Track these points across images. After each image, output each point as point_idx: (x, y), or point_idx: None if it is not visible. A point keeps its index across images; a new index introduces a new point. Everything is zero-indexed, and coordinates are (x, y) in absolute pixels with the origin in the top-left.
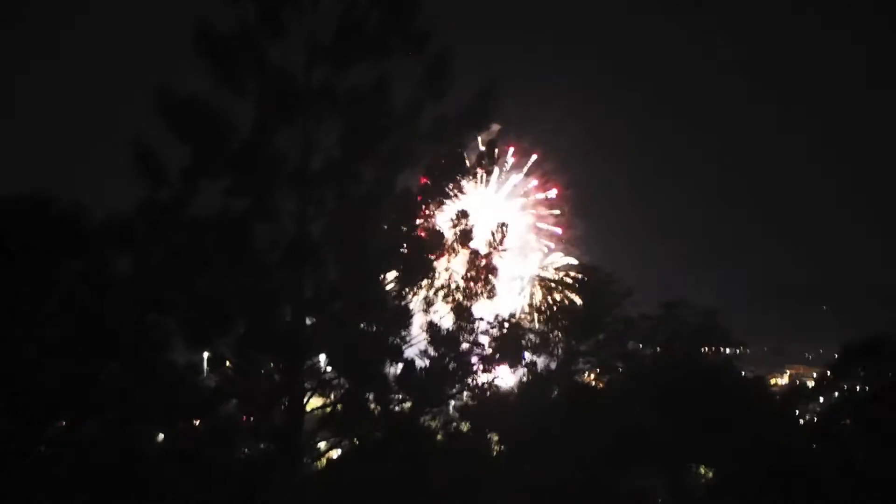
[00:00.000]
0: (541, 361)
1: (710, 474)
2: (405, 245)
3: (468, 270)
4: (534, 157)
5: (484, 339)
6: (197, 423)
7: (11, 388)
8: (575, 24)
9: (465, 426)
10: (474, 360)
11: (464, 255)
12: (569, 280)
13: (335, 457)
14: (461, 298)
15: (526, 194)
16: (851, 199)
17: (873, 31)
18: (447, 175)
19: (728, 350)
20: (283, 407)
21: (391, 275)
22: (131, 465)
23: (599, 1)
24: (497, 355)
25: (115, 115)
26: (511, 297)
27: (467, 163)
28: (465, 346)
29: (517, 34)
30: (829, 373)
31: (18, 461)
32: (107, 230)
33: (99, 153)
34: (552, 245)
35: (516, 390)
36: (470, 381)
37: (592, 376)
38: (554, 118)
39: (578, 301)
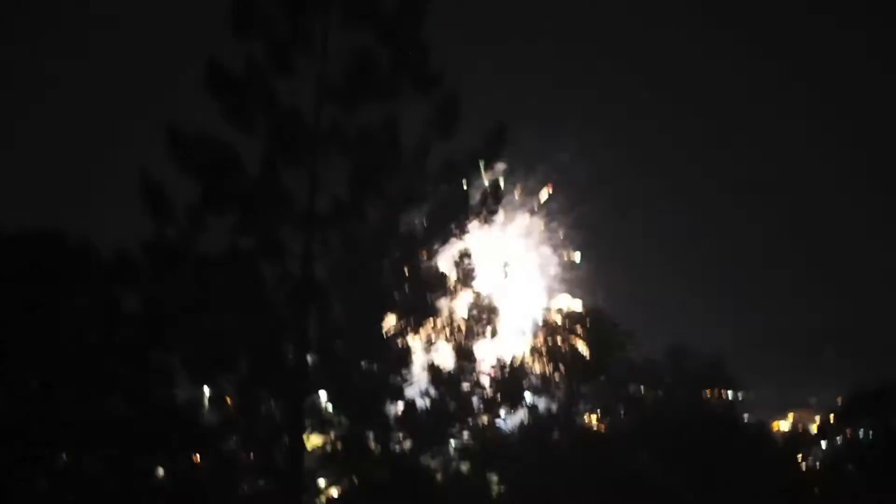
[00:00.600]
0: (542, 403)
1: None
2: (408, 285)
3: (470, 311)
4: (540, 196)
5: (485, 381)
6: (198, 458)
7: (15, 419)
8: (586, 49)
9: (465, 467)
10: (475, 400)
11: (466, 295)
12: (572, 322)
13: (335, 495)
14: (463, 339)
15: (531, 234)
16: (857, 245)
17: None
18: (451, 215)
19: (731, 395)
20: (283, 444)
21: (393, 315)
22: (132, 498)
23: (612, 21)
24: (498, 396)
25: (123, 150)
26: (513, 338)
27: (472, 202)
28: (466, 386)
29: (528, 59)
30: (833, 419)
31: (20, 494)
32: (114, 266)
33: (108, 187)
34: (556, 286)
35: (517, 432)
36: (471, 421)
37: (594, 419)
38: (563, 154)
39: (581, 343)
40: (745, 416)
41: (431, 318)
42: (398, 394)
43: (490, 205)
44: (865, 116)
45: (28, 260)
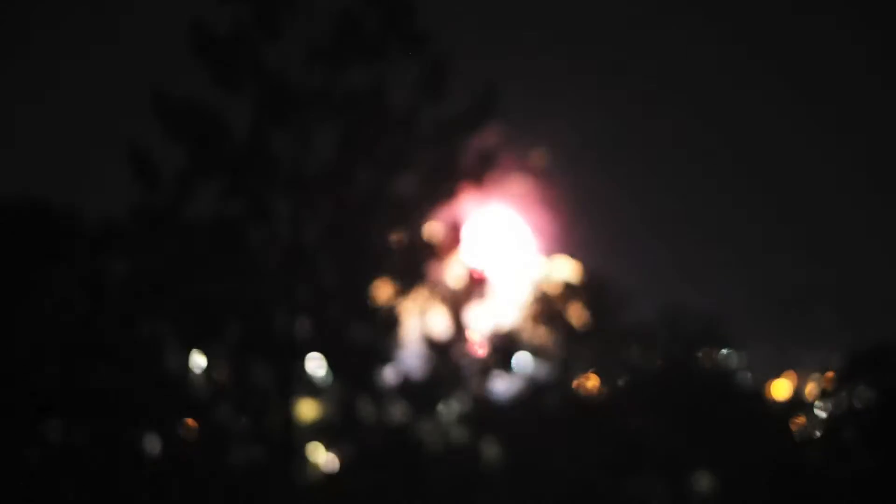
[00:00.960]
0: (537, 368)
1: (710, 482)
2: (399, 250)
3: (463, 276)
4: (534, 158)
5: (479, 346)
6: (189, 427)
7: (4, 389)
8: (577, 27)
9: (461, 434)
10: (469, 367)
11: (459, 259)
12: (567, 286)
13: (327, 462)
14: (456, 304)
15: (525, 197)
16: (852, 202)
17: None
18: (443, 180)
19: (727, 352)
20: (275, 412)
21: (385, 280)
22: (123, 467)
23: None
24: (492, 362)
25: (109, 116)
26: (507, 303)
27: (464, 167)
28: (460, 353)
29: (519, 34)
30: (831, 379)
31: (8, 465)
32: (101, 234)
33: (95, 155)
34: (550, 250)
35: (512, 397)
36: (465, 388)
37: (590, 383)
38: (556, 119)
39: (576, 308)
40: (748, 374)
41: (423, 283)
42: (391, 360)
43: (483, 169)
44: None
45: (11, 228)
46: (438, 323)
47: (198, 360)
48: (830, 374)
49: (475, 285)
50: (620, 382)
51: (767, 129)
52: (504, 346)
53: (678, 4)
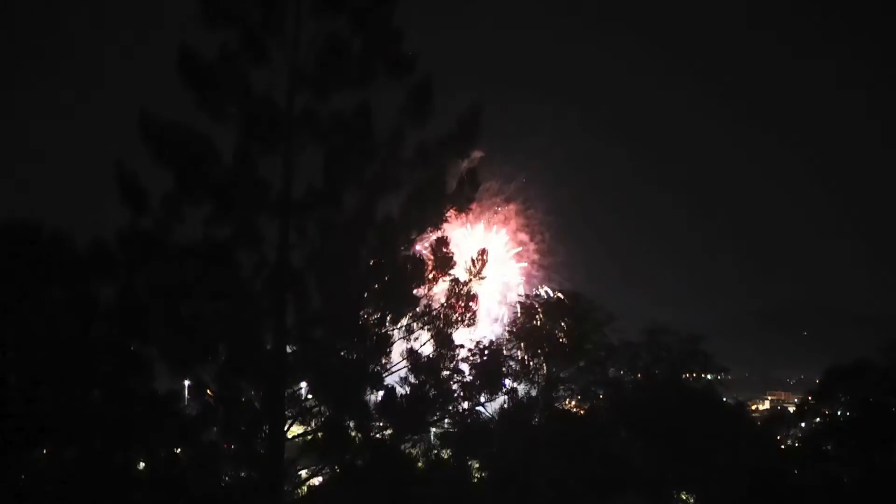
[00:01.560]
0: (521, 388)
1: (692, 500)
2: (386, 272)
3: (448, 298)
4: (517, 182)
5: (464, 367)
6: (179, 450)
7: None
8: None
9: (446, 453)
10: (455, 387)
11: (444, 282)
12: (550, 308)
13: (316, 484)
14: (441, 326)
15: (508, 221)
16: (831, 226)
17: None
18: (428, 202)
19: (710, 376)
20: (264, 434)
21: (372, 302)
22: (113, 491)
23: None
24: (478, 382)
25: (98, 139)
26: (491, 324)
27: (449, 190)
28: (445, 373)
29: (502, 69)
30: (810, 398)
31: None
32: (90, 258)
33: (84, 179)
34: (534, 271)
35: (497, 417)
36: (451, 408)
37: (573, 403)
38: (538, 142)
39: (560, 328)
40: (724, 399)
41: (410, 306)
42: (378, 381)
43: (467, 191)
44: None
45: (3, 251)
46: (425, 343)
47: (188, 383)
48: (811, 393)
49: (461, 306)
50: (603, 400)
51: (743, 159)
52: (489, 364)
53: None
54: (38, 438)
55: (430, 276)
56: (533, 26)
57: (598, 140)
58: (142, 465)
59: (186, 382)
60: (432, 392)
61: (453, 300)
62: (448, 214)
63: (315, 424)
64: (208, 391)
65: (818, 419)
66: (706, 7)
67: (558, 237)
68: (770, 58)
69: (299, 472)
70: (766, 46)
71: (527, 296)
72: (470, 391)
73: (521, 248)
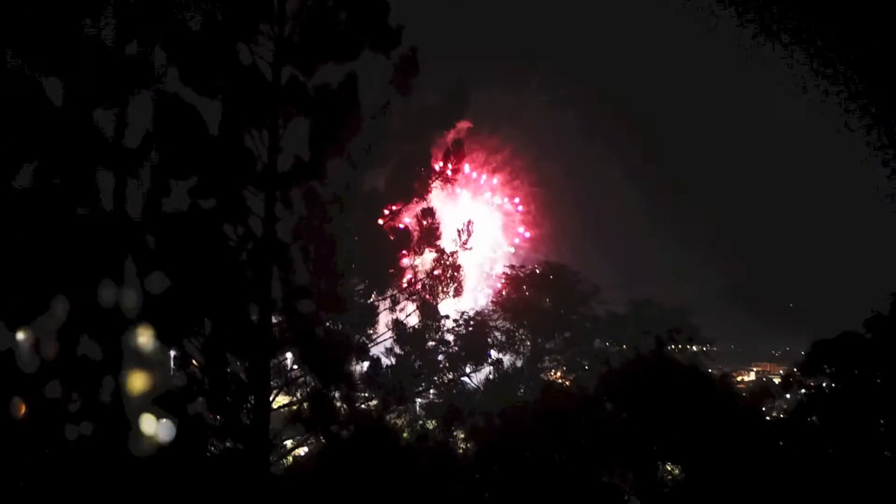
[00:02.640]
0: (507, 359)
1: (678, 471)
2: (372, 244)
3: (434, 269)
4: (503, 154)
5: (450, 337)
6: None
7: None
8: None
9: (431, 424)
10: (440, 357)
11: (430, 253)
12: (535, 279)
13: (302, 454)
14: (427, 297)
15: (494, 192)
16: (818, 200)
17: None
18: (413, 174)
19: (696, 348)
20: (249, 405)
21: (358, 273)
22: (98, 465)
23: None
24: (463, 353)
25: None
26: (477, 295)
27: (434, 161)
28: (430, 344)
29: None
30: (796, 370)
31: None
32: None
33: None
34: (520, 242)
35: (483, 388)
36: (436, 378)
37: (559, 374)
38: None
39: (544, 299)
40: (710, 370)
41: (395, 277)
42: (363, 352)
43: (452, 163)
44: None
45: None
46: (411, 315)
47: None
48: (797, 365)
49: (447, 277)
50: (589, 371)
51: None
52: (475, 335)
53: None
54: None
55: (416, 246)
56: None
57: (589, 114)
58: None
59: (172, 353)
60: (418, 363)
61: (439, 271)
62: (433, 185)
63: (300, 395)
64: (194, 362)
65: (804, 391)
66: None
67: (545, 210)
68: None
69: (284, 443)
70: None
71: (512, 266)
72: (455, 362)
73: (507, 220)
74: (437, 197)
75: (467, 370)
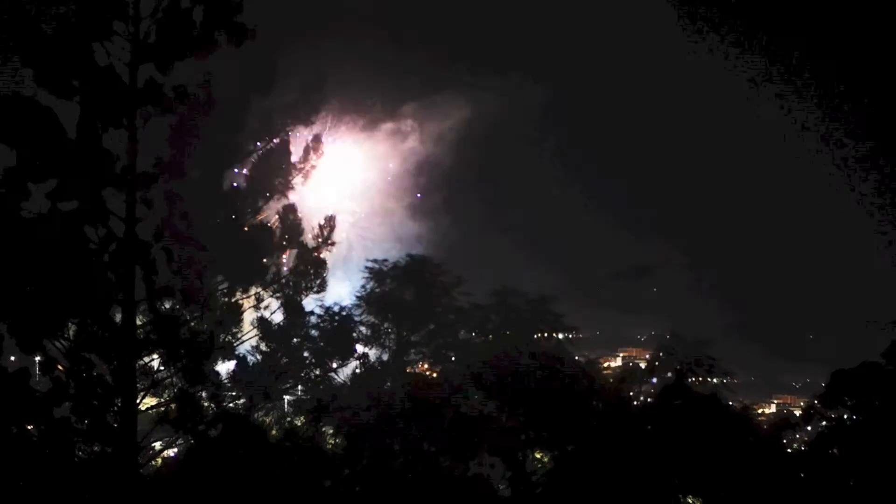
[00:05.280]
0: (373, 353)
1: (547, 459)
2: (233, 242)
3: (297, 265)
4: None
5: (315, 333)
6: (30, 427)
7: None
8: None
9: (299, 421)
10: (306, 354)
11: (293, 249)
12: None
13: (171, 455)
14: (291, 293)
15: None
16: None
17: None
18: (274, 170)
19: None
20: (116, 407)
21: (220, 272)
22: None
23: None
24: (329, 349)
25: None
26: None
27: (294, 157)
28: (296, 340)
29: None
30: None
31: None
32: None
33: None
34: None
35: (350, 383)
36: (303, 374)
37: (426, 366)
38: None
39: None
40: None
41: (258, 274)
42: (229, 351)
43: (312, 159)
44: None
45: None
46: (275, 312)
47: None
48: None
49: (309, 272)
50: (454, 362)
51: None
52: (340, 330)
53: None
54: None
55: (279, 243)
56: None
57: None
58: None
59: (37, 358)
60: (284, 360)
61: (302, 267)
62: (293, 181)
63: (167, 396)
64: (59, 367)
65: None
66: None
67: (441, 197)
68: None
69: (153, 445)
70: None
71: (374, 261)
72: (321, 357)
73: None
74: (299, 193)
75: (334, 365)
